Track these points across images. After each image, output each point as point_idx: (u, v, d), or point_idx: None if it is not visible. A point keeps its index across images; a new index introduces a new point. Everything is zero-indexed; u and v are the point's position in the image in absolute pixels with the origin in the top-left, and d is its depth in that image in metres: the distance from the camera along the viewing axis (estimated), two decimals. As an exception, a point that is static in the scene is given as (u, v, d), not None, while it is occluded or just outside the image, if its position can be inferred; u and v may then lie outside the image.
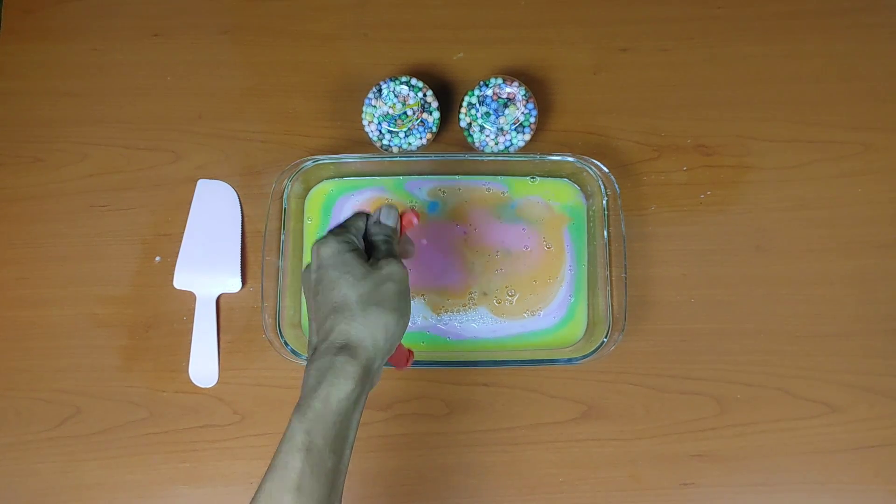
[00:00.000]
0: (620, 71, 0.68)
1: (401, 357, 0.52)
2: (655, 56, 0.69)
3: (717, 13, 0.70)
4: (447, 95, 0.67)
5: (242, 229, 0.65)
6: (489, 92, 0.62)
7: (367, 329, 0.43)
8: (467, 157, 0.64)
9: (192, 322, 0.62)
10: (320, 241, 0.46)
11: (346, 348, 0.42)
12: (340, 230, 0.48)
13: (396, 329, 0.45)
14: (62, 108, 0.68)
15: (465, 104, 0.63)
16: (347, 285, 0.44)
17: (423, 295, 0.62)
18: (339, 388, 0.41)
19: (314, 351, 0.44)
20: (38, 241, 0.65)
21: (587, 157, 0.60)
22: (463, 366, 0.61)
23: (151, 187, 0.66)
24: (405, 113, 0.59)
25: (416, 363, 0.59)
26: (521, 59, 0.68)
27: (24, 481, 0.60)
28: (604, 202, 0.60)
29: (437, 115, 0.63)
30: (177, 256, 0.64)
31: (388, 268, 0.46)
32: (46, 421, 0.61)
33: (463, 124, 0.64)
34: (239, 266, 0.63)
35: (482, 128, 0.62)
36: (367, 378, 0.42)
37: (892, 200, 0.66)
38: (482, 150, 0.64)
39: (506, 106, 0.62)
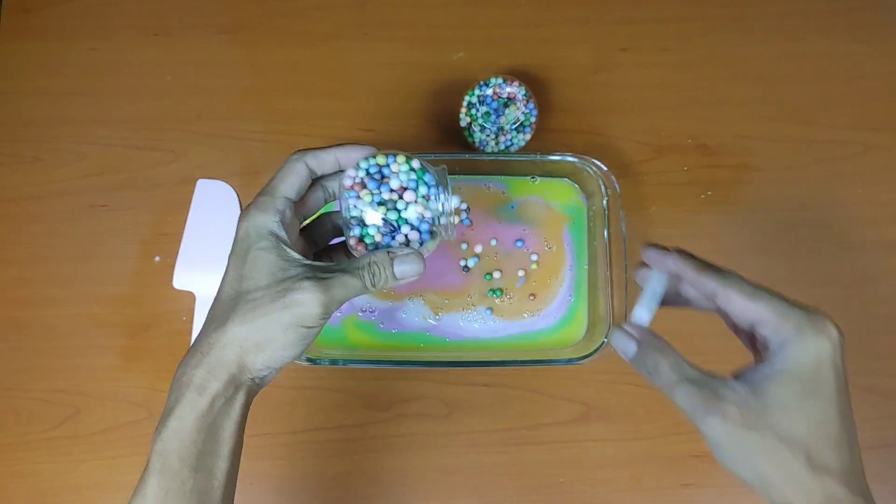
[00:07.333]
0: (621, 71, 0.68)
1: None
2: (656, 56, 0.69)
3: (717, 13, 0.70)
4: (447, 95, 0.67)
5: (242, 229, 0.65)
6: (489, 91, 0.62)
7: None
8: (467, 156, 0.64)
9: (192, 322, 0.62)
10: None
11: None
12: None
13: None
14: (61, 108, 0.67)
15: (465, 104, 0.63)
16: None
17: (422, 295, 0.62)
18: (194, 403, 0.37)
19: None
20: (36, 241, 0.64)
21: (587, 157, 0.60)
22: (463, 366, 0.61)
23: (151, 187, 0.66)
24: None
25: (417, 363, 0.59)
26: (521, 59, 0.68)
27: (23, 481, 0.59)
28: (604, 202, 0.60)
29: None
30: (176, 256, 0.63)
31: (301, 295, 0.38)
32: (45, 421, 0.61)
33: (463, 124, 0.64)
34: (238, 266, 0.63)
35: (482, 127, 0.62)
36: (236, 389, 0.39)
37: (892, 200, 0.66)
38: (482, 150, 0.64)
39: (506, 105, 0.62)
